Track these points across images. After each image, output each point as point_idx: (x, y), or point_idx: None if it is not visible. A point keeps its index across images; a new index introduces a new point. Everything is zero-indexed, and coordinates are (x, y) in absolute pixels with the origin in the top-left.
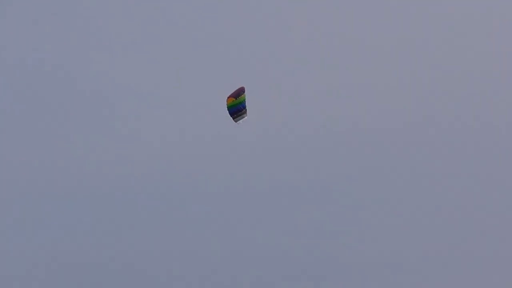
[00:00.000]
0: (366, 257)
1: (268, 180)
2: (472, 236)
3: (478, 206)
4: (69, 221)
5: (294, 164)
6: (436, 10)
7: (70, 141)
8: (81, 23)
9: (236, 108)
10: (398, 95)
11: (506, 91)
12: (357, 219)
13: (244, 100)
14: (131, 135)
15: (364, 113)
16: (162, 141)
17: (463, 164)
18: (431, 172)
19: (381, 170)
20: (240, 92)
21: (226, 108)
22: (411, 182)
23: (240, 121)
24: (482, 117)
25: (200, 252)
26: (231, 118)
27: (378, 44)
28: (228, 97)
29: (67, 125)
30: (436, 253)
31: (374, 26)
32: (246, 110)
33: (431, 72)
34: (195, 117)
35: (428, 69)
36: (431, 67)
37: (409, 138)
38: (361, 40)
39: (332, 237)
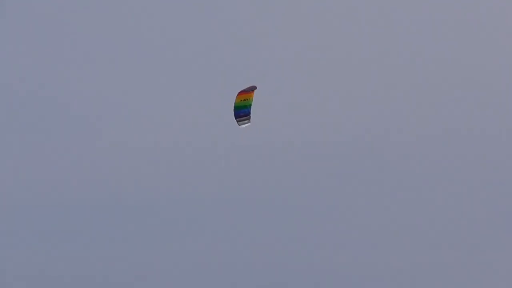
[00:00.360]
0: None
1: (258, 190)
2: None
3: (474, 222)
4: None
5: (288, 173)
6: (433, 18)
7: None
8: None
9: (243, 112)
10: (398, 103)
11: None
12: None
13: (251, 103)
14: (117, 144)
15: (361, 121)
16: (147, 151)
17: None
18: (428, 183)
19: (378, 180)
20: (251, 89)
21: (233, 107)
22: (410, 190)
23: (244, 126)
24: (482, 124)
25: (189, 263)
26: (235, 120)
27: (374, 54)
28: (238, 93)
29: (49, 137)
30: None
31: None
32: (250, 116)
33: (429, 80)
34: (182, 127)
35: (427, 77)
36: (430, 75)
37: (407, 146)
38: (359, 47)
39: (330, 249)
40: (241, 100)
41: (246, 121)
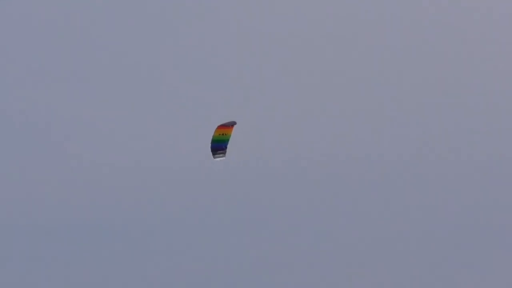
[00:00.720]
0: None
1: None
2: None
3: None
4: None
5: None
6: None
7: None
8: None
9: (220, 146)
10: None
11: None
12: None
13: (229, 138)
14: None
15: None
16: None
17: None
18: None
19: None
20: (231, 124)
21: (211, 140)
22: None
23: (218, 159)
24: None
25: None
26: (211, 153)
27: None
28: (218, 126)
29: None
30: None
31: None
32: (226, 151)
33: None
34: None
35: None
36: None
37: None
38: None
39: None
40: (220, 134)
41: (221, 155)
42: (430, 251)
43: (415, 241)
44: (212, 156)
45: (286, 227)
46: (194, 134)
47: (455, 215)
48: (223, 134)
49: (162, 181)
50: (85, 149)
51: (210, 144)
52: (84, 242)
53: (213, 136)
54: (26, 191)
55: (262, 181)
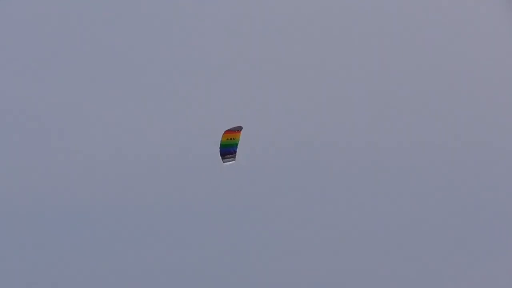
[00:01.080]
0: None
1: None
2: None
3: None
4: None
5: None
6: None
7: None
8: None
9: (228, 149)
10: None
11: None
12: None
13: (238, 142)
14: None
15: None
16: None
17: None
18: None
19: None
20: (237, 129)
21: (220, 145)
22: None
23: (228, 163)
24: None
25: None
26: (220, 157)
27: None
28: (225, 132)
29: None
30: None
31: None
32: (236, 154)
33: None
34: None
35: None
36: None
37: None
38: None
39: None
40: (228, 139)
41: (231, 159)
42: (430, 241)
43: (419, 230)
44: (221, 160)
45: (286, 217)
46: (192, 126)
47: (455, 207)
48: (231, 139)
49: (160, 173)
50: (83, 141)
51: (219, 149)
52: (84, 234)
53: (221, 142)
54: (23, 183)
55: (261, 172)
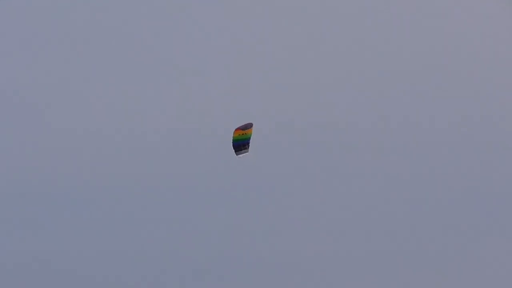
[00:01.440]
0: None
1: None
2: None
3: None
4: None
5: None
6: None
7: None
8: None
9: (241, 143)
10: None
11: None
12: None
13: (250, 136)
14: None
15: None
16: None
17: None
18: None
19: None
20: (247, 126)
21: (232, 141)
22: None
23: (241, 155)
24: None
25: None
26: (234, 151)
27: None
28: (235, 130)
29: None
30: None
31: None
32: (249, 145)
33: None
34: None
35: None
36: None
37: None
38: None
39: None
40: (240, 135)
41: (244, 151)
42: (430, 217)
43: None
44: (235, 154)
45: (287, 193)
46: (185, 98)
47: (454, 180)
48: (243, 134)
49: (154, 147)
50: (71, 116)
51: (232, 144)
52: (80, 209)
53: (233, 138)
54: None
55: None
